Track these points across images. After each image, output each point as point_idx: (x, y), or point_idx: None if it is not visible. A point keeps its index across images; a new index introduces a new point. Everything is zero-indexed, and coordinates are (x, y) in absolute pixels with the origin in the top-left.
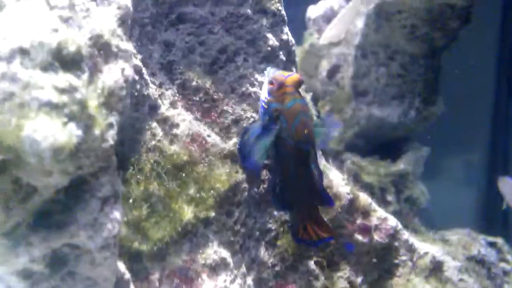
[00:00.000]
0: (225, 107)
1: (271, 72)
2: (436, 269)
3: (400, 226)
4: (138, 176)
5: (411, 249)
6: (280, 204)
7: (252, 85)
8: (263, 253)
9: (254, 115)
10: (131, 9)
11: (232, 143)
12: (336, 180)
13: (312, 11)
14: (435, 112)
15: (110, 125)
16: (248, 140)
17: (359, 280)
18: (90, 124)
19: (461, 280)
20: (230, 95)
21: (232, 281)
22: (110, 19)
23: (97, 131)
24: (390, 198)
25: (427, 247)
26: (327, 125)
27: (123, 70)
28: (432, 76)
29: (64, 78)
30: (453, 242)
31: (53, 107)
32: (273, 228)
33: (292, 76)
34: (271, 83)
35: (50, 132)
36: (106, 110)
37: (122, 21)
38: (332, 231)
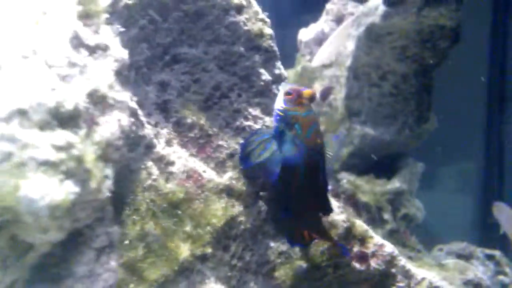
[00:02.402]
0: (220, 142)
1: (287, 86)
2: None
3: (396, 252)
4: (134, 217)
5: (408, 275)
6: (285, 211)
7: (246, 119)
8: (261, 286)
9: None
10: (128, 60)
11: (227, 177)
12: (334, 207)
13: (304, 34)
14: (429, 129)
15: (106, 177)
16: (254, 140)
17: None
18: (86, 178)
19: None
20: (224, 130)
21: None
22: (107, 72)
23: (93, 184)
24: (386, 216)
25: (424, 273)
26: (335, 143)
27: (119, 121)
28: (425, 94)
29: (62, 136)
30: (450, 267)
31: (50, 166)
32: (270, 259)
33: (307, 90)
34: (288, 94)
35: (47, 190)
36: (102, 163)
37: (118, 73)
38: (330, 238)
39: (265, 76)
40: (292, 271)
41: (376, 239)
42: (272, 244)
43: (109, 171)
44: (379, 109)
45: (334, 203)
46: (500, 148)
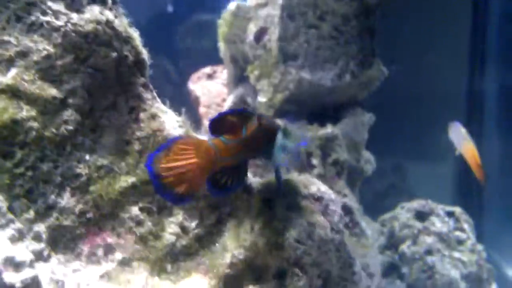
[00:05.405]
0: (5, 38)
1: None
2: (265, 206)
3: None
4: None
5: (246, 190)
6: None
7: (45, 13)
8: (68, 199)
9: (48, 47)
10: None
11: (12, 76)
12: (170, 122)
13: None
14: (375, 76)
15: None
16: None
17: (193, 224)
18: None
19: (288, 216)
20: (14, 24)
21: (2, 227)
22: None
23: None
24: (315, 161)
25: (260, 186)
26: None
27: None
28: (367, 38)
29: None
30: (293, 179)
31: None
32: (83, 173)
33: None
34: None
35: None
36: None
37: None
38: None
39: None
40: (115, 185)
41: None
42: (88, 157)
43: None
44: (318, 52)
45: (174, 117)
46: (481, 112)
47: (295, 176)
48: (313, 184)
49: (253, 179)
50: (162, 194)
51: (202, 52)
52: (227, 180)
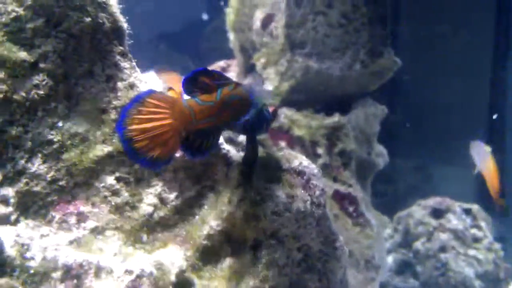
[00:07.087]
0: None
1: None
2: (244, 178)
3: (220, 140)
4: None
5: (227, 163)
6: None
7: None
8: (39, 165)
9: (17, 9)
10: None
11: None
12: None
13: None
14: (387, 66)
15: None
16: None
17: (172, 196)
18: None
19: (266, 188)
20: None
21: None
22: None
23: None
24: (320, 151)
25: (241, 159)
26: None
27: None
28: (378, 25)
29: None
30: (276, 155)
31: None
32: (55, 139)
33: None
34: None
35: None
36: None
37: None
38: None
39: None
40: (89, 154)
41: None
42: (61, 124)
43: None
44: (326, 40)
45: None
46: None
47: (279, 153)
48: (296, 158)
49: (234, 152)
50: (134, 158)
51: (227, 51)
52: (201, 144)
